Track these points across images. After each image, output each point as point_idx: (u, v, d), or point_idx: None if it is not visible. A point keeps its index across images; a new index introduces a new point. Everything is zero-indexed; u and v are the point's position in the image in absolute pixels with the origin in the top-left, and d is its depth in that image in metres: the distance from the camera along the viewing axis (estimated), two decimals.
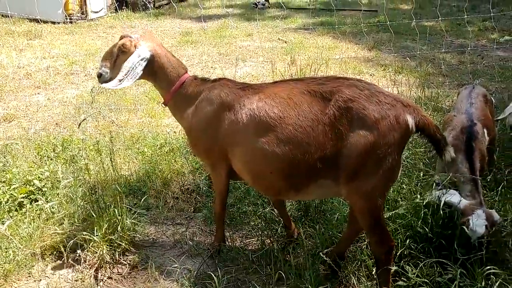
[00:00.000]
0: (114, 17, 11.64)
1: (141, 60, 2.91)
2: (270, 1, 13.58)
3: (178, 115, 3.09)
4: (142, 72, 2.93)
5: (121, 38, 3.04)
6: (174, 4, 12.43)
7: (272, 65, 6.99)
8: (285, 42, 9.33)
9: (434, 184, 3.23)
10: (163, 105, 3.17)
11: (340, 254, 2.94)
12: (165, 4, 13.49)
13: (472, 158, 3.14)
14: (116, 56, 2.99)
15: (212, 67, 7.75)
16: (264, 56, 8.39)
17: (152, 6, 12.71)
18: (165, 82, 3.05)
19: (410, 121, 2.41)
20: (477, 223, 2.76)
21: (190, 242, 3.35)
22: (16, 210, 3.49)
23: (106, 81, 3.02)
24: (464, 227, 2.79)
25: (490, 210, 2.90)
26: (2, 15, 10.22)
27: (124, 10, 12.03)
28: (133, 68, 2.89)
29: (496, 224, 2.85)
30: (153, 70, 3.01)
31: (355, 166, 2.42)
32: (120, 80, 2.89)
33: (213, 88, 2.91)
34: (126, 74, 2.88)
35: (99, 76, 3.07)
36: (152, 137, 4.69)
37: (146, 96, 6.14)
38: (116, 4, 12.09)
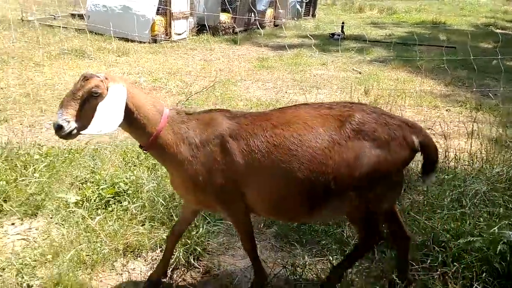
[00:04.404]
0: (195, 40, 12.26)
1: (121, 98, 2.50)
2: (346, 33, 13.74)
3: (168, 158, 2.71)
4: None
5: (85, 78, 2.51)
6: (261, 29, 12.86)
7: (347, 93, 7.09)
8: (360, 73, 9.41)
9: None
10: (144, 150, 2.76)
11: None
12: (243, 31, 14.02)
13: None
14: (84, 101, 2.48)
15: (286, 92, 7.96)
16: (338, 85, 8.51)
17: (231, 31, 13.27)
18: (145, 122, 2.62)
19: (416, 140, 2.62)
20: None
21: (261, 255, 3.45)
22: (103, 208, 3.77)
23: (69, 133, 2.46)
24: None
25: None
26: (96, 33, 11.09)
27: (205, 34, 12.62)
28: (113, 110, 2.46)
29: None
30: (128, 111, 2.57)
31: (365, 185, 2.57)
32: (100, 126, 2.43)
33: (211, 122, 2.72)
34: (106, 118, 2.44)
35: (59, 128, 2.43)
36: None
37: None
38: (197, 28, 12.76)
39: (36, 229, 3.63)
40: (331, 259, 3.33)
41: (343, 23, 14.15)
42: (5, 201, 3.74)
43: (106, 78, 2.53)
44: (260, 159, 2.62)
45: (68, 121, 2.44)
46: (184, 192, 2.85)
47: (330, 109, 2.69)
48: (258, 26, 14.32)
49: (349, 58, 10.83)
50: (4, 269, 3.08)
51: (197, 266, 3.32)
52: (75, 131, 2.47)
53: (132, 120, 2.60)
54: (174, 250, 3.19)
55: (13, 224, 3.68)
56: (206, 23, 11.99)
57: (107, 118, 2.43)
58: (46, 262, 3.17)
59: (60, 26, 11.72)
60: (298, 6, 17.05)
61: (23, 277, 3.03)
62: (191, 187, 2.72)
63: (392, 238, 2.98)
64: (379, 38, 13.64)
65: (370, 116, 2.61)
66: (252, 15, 14.13)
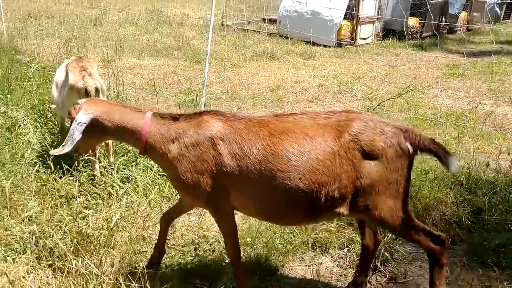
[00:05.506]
0: (380, 45, 12.11)
1: (77, 124, 2.77)
2: None
3: (159, 158, 2.84)
4: (81, 136, 2.76)
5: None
6: (451, 34, 12.19)
7: None
8: None
9: None
10: (141, 155, 3.01)
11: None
12: (432, 36, 13.36)
13: None
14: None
15: (480, 103, 7.39)
16: None
17: (418, 36, 12.77)
18: (126, 132, 2.82)
19: (409, 146, 2.64)
20: None
21: (450, 273, 3.32)
22: None
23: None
24: None
25: None
26: (285, 37, 11.74)
27: (390, 39, 12.38)
28: (71, 134, 2.78)
29: None
30: (107, 128, 2.81)
31: (370, 194, 2.61)
32: (62, 146, 2.81)
33: (202, 124, 2.73)
34: (66, 140, 2.80)
35: None
36: (419, 162, 4.76)
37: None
38: (383, 32, 12.58)
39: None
40: None
41: None
42: None
43: (81, 105, 2.83)
44: (256, 166, 2.61)
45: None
46: (179, 190, 2.97)
47: (328, 118, 2.70)
48: (449, 31, 13.56)
49: None
50: (211, 244, 3.52)
51: (383, 271, 3.35)
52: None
53: (115, 134, 2.89)
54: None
55: None
56: (393, 28, 11.75)
57: (68, 140, 2.80)
58: (245, 244, 3.53)
59: (253, 30, 12.74)
60: (497, 9, 15.58)
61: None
62: (181, 186, 2.79)
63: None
64: None
65: (366, 124, 2.64)
66: (443, 19, 13.38)
